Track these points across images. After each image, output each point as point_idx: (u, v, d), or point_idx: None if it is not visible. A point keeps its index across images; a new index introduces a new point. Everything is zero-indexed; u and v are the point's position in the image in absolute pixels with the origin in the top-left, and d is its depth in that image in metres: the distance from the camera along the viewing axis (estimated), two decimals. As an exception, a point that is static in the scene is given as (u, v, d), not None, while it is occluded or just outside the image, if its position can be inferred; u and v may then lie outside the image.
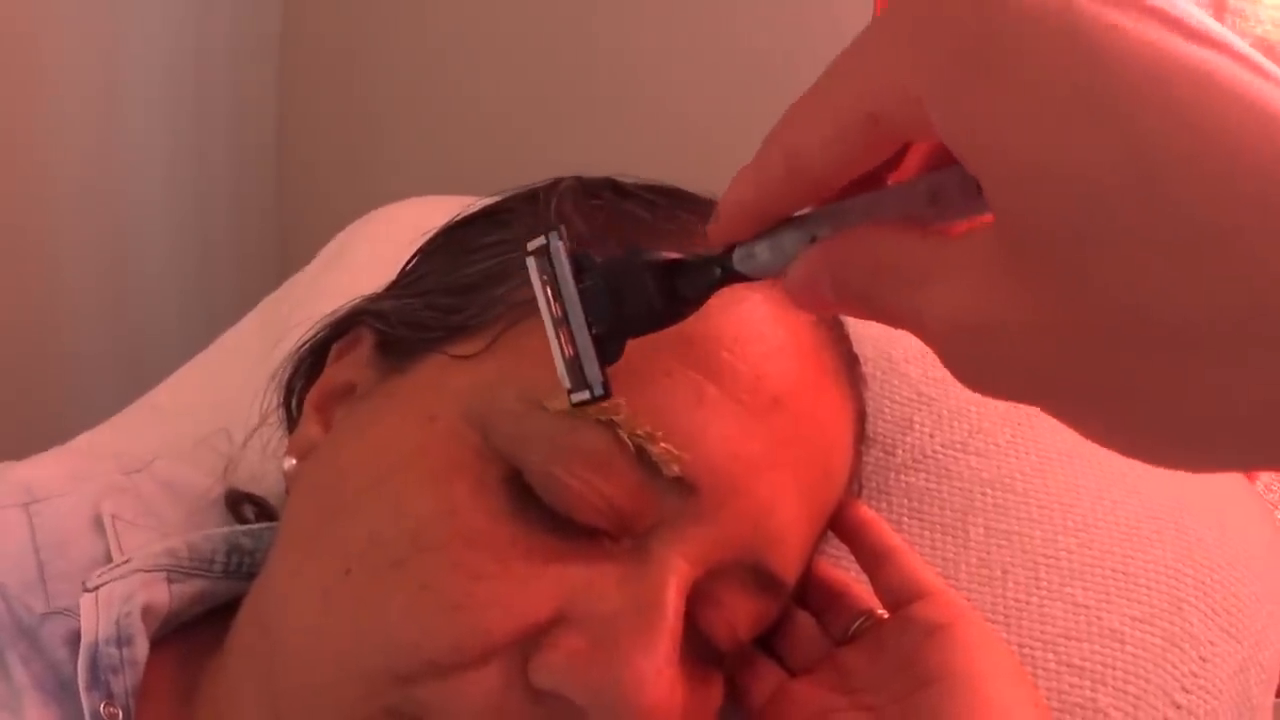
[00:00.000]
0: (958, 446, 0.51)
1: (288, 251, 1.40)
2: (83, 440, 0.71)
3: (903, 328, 0.26)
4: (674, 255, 0.31)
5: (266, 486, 0.59)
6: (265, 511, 0.57)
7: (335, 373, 0.47)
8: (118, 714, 0.43)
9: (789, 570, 0.40)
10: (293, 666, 0.40)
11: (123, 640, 0.44)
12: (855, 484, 0.47)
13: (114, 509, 0.50)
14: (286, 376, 0.53)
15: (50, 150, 1.11)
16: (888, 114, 0.24)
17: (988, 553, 0.49)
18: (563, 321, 0.32)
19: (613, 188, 0.46)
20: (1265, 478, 0.68)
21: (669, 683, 0.34)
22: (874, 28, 0.24)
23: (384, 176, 1.28)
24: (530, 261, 0.33)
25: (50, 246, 1.14)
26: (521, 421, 0.36)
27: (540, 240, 0.33)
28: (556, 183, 0.46)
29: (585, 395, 0.33)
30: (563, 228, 0.33)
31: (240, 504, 0.57)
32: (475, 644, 0.34)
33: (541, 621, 0.35)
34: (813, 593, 0.45)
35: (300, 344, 0.52)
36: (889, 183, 0.29)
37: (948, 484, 0.51)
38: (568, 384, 0.33)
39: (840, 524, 0.44)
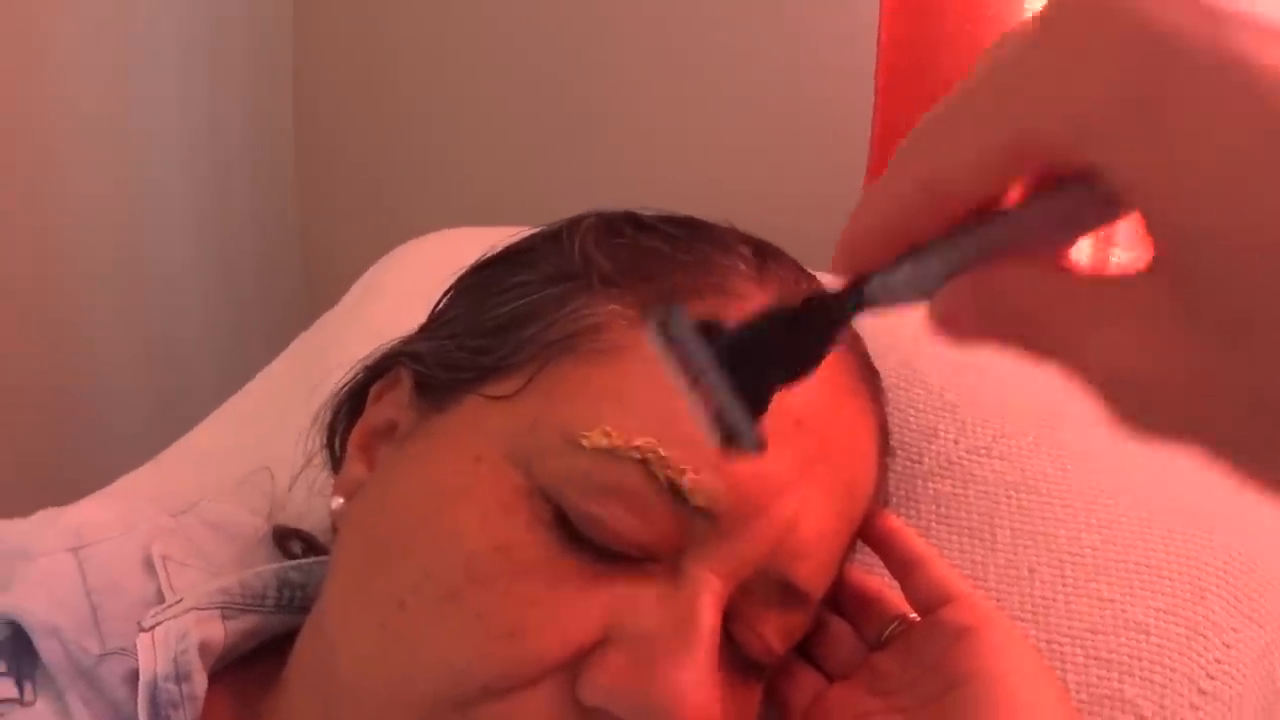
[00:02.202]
0: (982, 452, 0.53)
1: (313, 284, 1.41)
2: (125, 482, 0.73)
3: (1057, 367, 0.25)
4: (803, 302, 0.30)
5: (312, 522, 0.60)
6: (312, 546, 0.59)
7: (376, 413, 0.49)
8: None
9: (815, 583, 0.42)
10: (351, 698, 0.42)
11: (181, 676, 0.46)
12: (882, 494, 0.49)
13: (163, 550, 0.52)
14: (329, 419, 0.55)
15: (77, 214, 1.13)
16: (1045, 144, 0.23)
17: (1014, 553, 0.51)
18: (697, 383, 0.30)
19: (633, 222, 0.47)
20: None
21: (707, 694, 0.36)
22: (1028, 54, 0.23)
23: (406, 208, 1.29)
24: (652, 331, 0.31)
25: (83, 296, 1.16)
26: (561, 459, 0.38)
27: (660, 312, 0.31)
28: (578, 221, 0.47)
29: (746, 447, 0.30)
30: (681, 304, 0.31)
31: (288, 540, 0.59)
32: (529, 668, 0.37)
33: (588, 643, 0.37)
34: (847, 600, 0.47)
35: (340, 386, 0.54)
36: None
37: (974, 489, 0.52)
38: (719, 439, 0.31)
39: (869, 533, 0.46)
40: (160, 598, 0.50)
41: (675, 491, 0.37)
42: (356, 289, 0.79)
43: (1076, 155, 0.22)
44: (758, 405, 0.30)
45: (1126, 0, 0.22)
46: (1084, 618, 0.50)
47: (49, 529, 0.54)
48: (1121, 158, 0.22)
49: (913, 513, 0.50)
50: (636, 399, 0.39)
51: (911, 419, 0.53)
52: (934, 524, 0.51)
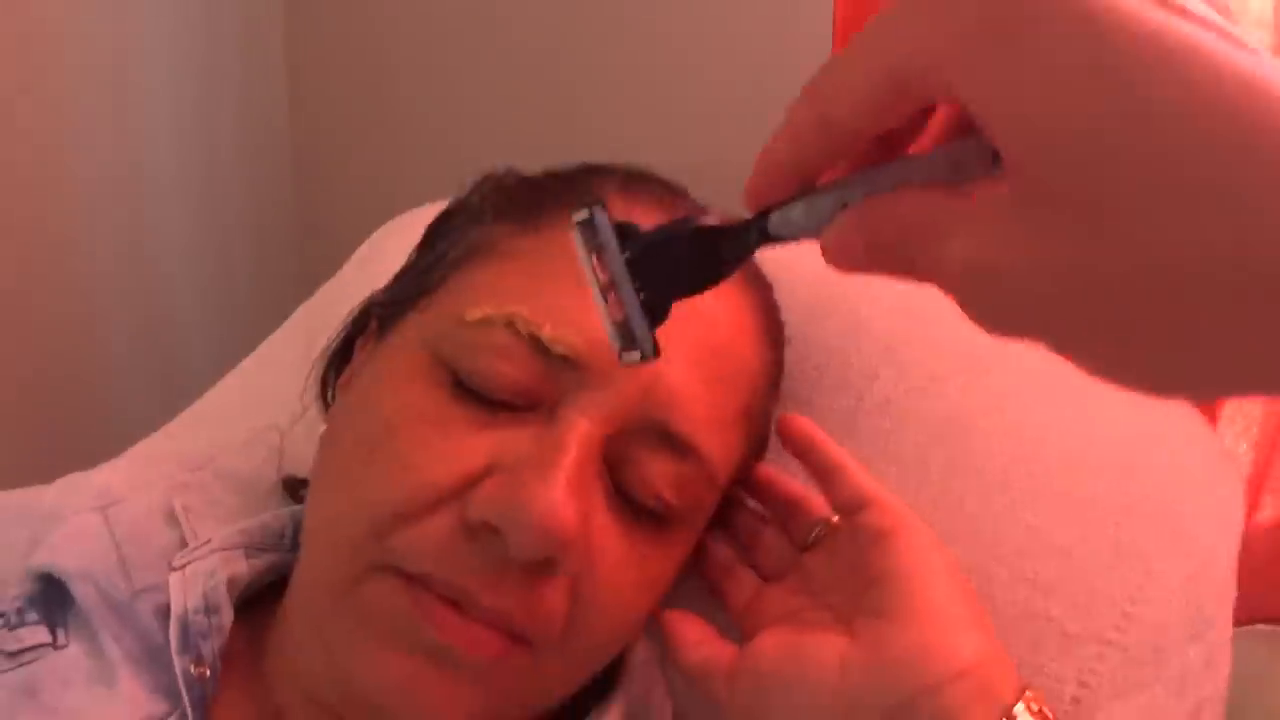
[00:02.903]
0: (918, 392, 0.57)
1: (307, 262, 1.44)
2: (141, 448, 0.79)
3: (927, 281, 0.28)
4: (714, 222, 0.33)
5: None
6: None
7: (358, 360, 0.56)
8: (206, 672, 0.51)
9: (696, 432, 0.46)
10: (308, 557, 0.50)
11: (210, 609, 0.52)
12: (777, 378, 0.54)
13: (184, 503, 0.58)
14: (321, 372, 0.62)
15: (75, 183, 1.15)
16: (914, 74, 0.26)
17: (947, 484, 0.55)
18: (609, 287, 0.34)
19: (527, 175, 0.56)
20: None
21: (564, 502, 0.42)
22: (888, 9, 0.27)
23: (398, 184, 1.30)
24: (575, 234, 0.34)
25: (81, 275, 1.18)
26: (453, 335, 0.47)
27: (584, 213, 0.34)
28: (485, 178, 0.56)
29: (636, 356, 0.34)
30: (604, 201, 0.35)
31: (297, 488, 0.65)
32: (426, 494, 0.44)
33: (475, 472, 0.44)
34: (776, 505, 0.53)
35: (330, 343, 0.62)
36: (912, 152, 0.31)
37: (911, 425, 0.57)
38: (617, 345, 0.34)
39: (788, 439, 0.51)
40: (183, 545, 0.56)
41: (537, 343, 0.44)
42: (354, 260, 0.84)
43: (940, 85, 0.26)
44: (658, 315, 0.34)
45: None
46: (1011, 542, 0.54)
47: (76, 492, 0.60)
48: (974, 81, 0.25)
49: (854, 446, 0.53)
50: (508, 284, 0.47)
51: (855, 362, 0.58)
52: (874, 457, 0.55)
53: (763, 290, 0.54)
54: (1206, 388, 0.27)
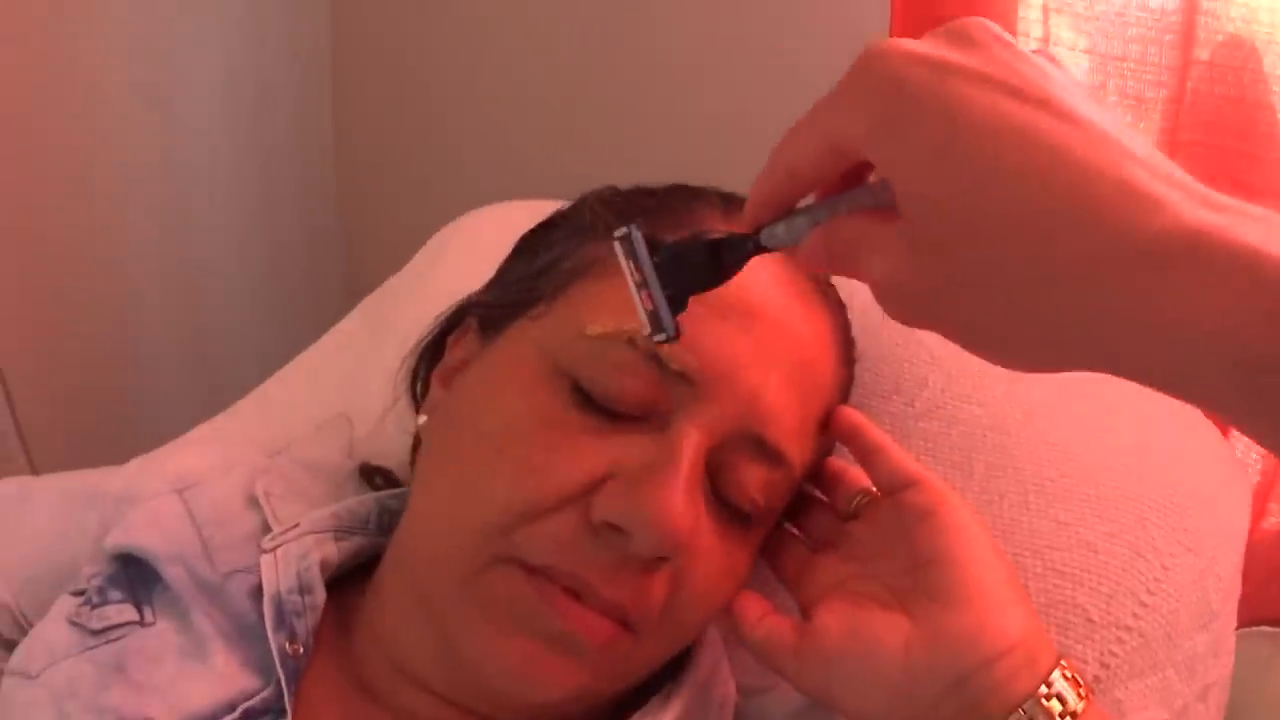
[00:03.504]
0: (963, 398, 0.63)
1: (353, 261, 1.46)
2: (202, 430, 0.82)
3: (860, 280, 0.39)
4: (719, 235, 0.43)
5: (391, 462, 0.70)
6: (391, 481, 0.69)
7: (452, 355, 0.60)
8: (299, 649, 0.53)
9: (785, 442, 0.52)
10: (426, 545, 0.54)
11: (304, 589, 0.55)
12: (848, 390, 0.60)
13: (265, 487, 0.61)
14: (413, 365, 0.66)
15: (119, 183, 1.17)
16: (844, 145, 0.37)
17: (988, 483, 0.61)
18: (643, 285, 0.43)
19: (632, 188, 0.61)
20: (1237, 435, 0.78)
21: (683, 508, 0.47)
22: (837, 91, 0.37)
23: (443, 188, 1.33)
24: (616, 244, 0.43)
25: (128, 268, 1.20)
26: (573, 347, 0.51)
27: (623, 230, 0.43)
28: (592, 192, 0.62)
29: (663, 336, 0.43)
30: (640, 220, 0.44)
31: (373, 476, 0.69)
32: (551, 496, 0.48)
33: (597, 476, 0.49)
34: (819, 480, 0.58)
35: (423, 338, 0.66)
36: (869, 178, 0.41)
37: (956, 429, 0.63)
38: (648, 330, 0.43)
39: (837, 427, 0.56)
40: (264, 528, 0.59)
41: (655, 360, 0.49)
42: (422, 256, 0.89)
43: (861, 153, 0.36)
44: (678, 306, 0.43)
45: (887, 63, 0.35)
46: (1044, 536, 0.60)
47: (152, 474, 0.63)
48: (878, 154, 0.36)
49: (906, 448, 0.59)
50: (627, 300, 0.51)
51: (907, 370, 0.64)
52: (923, 457, 0.62)
53: (841, 313, 0.59)
54: (1038, 363, 0.37)
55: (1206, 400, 0.34)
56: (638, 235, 0.43)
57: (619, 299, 0.52)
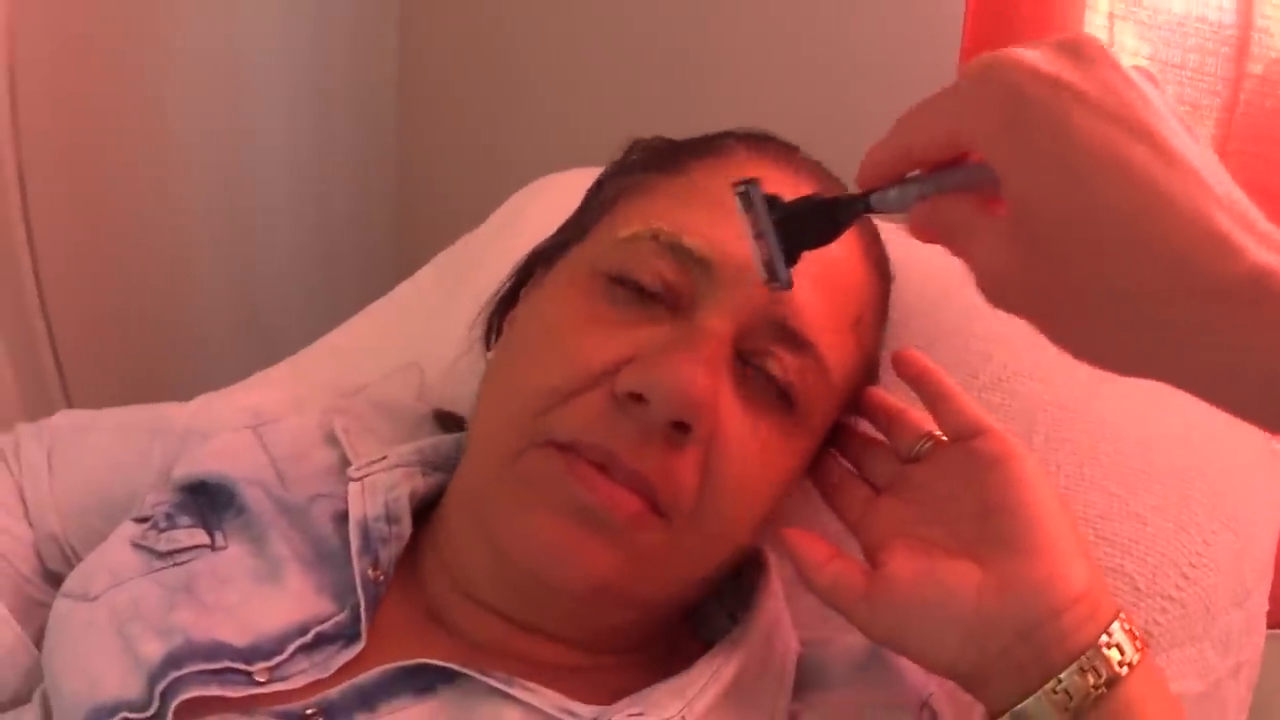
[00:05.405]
0: (1025, 374, 0.67)
1: (405, 222, 1.46)
2: (263, 376, 0.84)
3: (959, 257, 0.43)
4: (834, 196, 0.46)
5: (462, 409, 0.72)
6: (463, 426, 0.70)
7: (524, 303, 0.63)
8: (381, 576, 0.55)
9: (812, 331, 0.54)
10: (478, 446, 0.57)
11: (391, 518, 0.57)
12: (883, 303, 0.62)
13: (344, 425, 0.64)
14: (489, 314, 0.69)
15: (180, 144, 1.19)
16: (960, 138, 0.41)
17: (1046, 454, 0.65)
18: (760, 235, 0.46)
19: (667, 138, 0.65)
20: None
21: (699, 375, 0.50)
22: (959, 89, 0.41)
23: (500, 153, 1.34)
24: (736, 198, 0.47)
25: (183, 228, 1.23)
26: (608, 250, 0.56)
27: (742, 185, 0.47)
28: (632, 142, 0.67)
29: (778, 285, 0.47)
30: (759, 178, 0.48)
31: (448, 420, 0.71)
32: (580, 376, 0.52)
33: (623, 357, 0.52)
34: (880, 418, 0.60)
35: (498, 290, 0.68)
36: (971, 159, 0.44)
37: (1018, 402, 0.66)
38: (764, 277, 0.47)
39: (904, 367, 0.58)
40: (342, 464, 0.61)
41: (677, 248, 0.54)
42: (497, 216, 0.92)
43: (975, 147, 0.40)
44: (792, 258, 0.46)
45: (1010, 73, 0.39)
46: (1096, 506, 0.64)
47: (222, 409, 0.65)
48: (994, 154, 0.39)
49: (969, 417, 0.62)
50: (654, 209, 0.57)
51: (973, 345, 0.67)
52: (984, 427, 0.65)
53: (868, 225, 0.62)
54: (1112, 368, 0.41)
55: (1257, 419, 0.39)
56: (756, 189, 0.46)
57: (650, 209, 0.57)
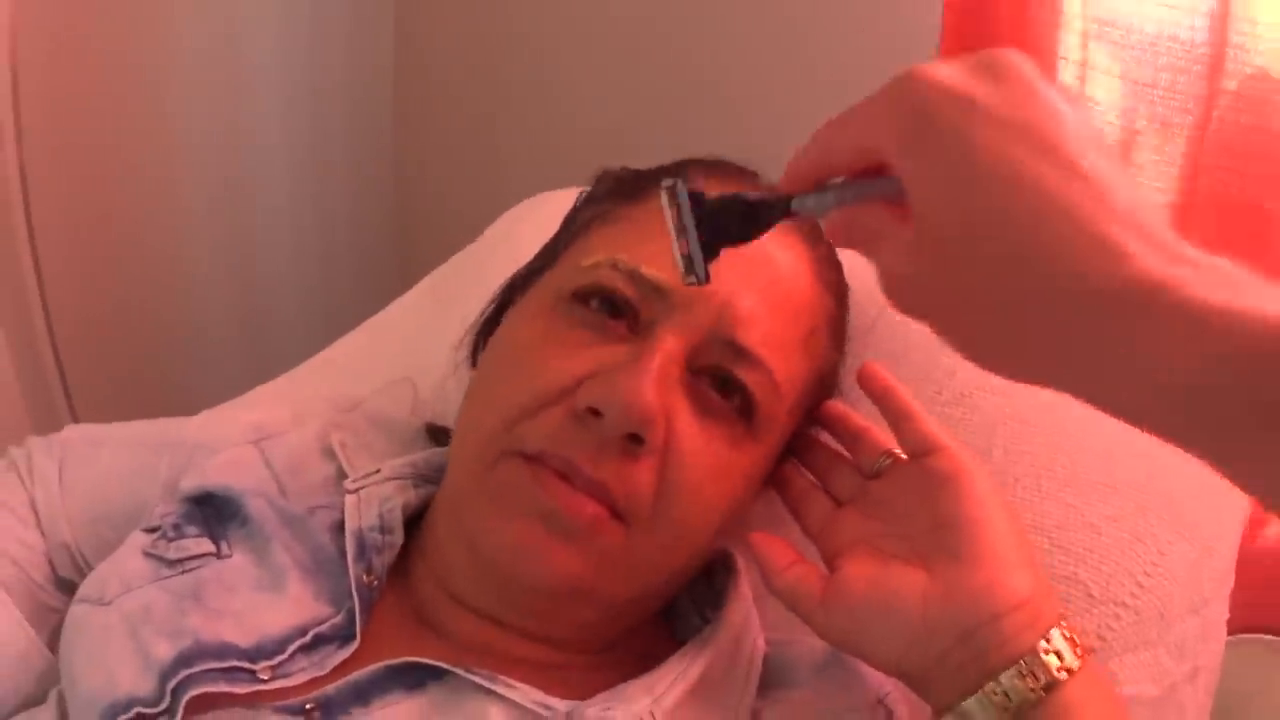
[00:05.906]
0: (988, 389, 0.69)
1: (403, 233, 1.46)
2: (262, 391, 0.87)
3: (869, 261, 0.44)
4: (757, 196, 0.47)
5: (452, 423, 0.72)
6: None
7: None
8: (374, 581, 0.58)
9: (760, 348, 0.57)
10: (457, 459, 0.60)
11: (385, 528, 0.61)
12: (837, 322, 0.65)
13: (340, 439, 0.67)
14: (473, 338, 0.72)
15: (180, 151, 1.20)
16: (871, 149, 0.42)
17: (1005, 466, 0.67)
18: (682, 232, 0.47)
19: (629, 169, 0.69)
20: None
21: (649, 389, 0.53)
22: (873, 101, 0.42)
23: (499, 165, 1.35)
24: (662, 193, 0.48)
25: (181, 230, 1.23)
26: (575, 276, 0.60)
27: (670, 180, 0.48)
28: (600, 173, 0.71)
29: (694, 279, 0.48)
30: (687, 175, 0.51)
31: (439, 434, 0.74)
32: (545, 391, 0.56)
33: (583, 375, 0.55)
34: (844, 437, 0.63)
35: (483, 312, 0.72)
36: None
37: (979, 416, 0.69)
38: (681, 270, 0.48)
39: (868, 383, 0.61)
40: (339, 476, 0.64)
41: (635, 276, 0.58)
42: (490, 234, 0.95)
43: (885, 158, 0.42)
44: (710, 254, 0.48)
45: (920, 91, 0.40)
46: (1053, 517, 0.66)
47: (225, 425, 0.69)
48: (902, 165, 0.41)
49: (933, 431, 0.65)
50: (616, 239, 0.61)
51: (938, 359, 0.70)
52: (947, 440, 0.67)
53: (822, 246, 0.64)
54: (1004, 374, 0.43)
55: (1155, 430, 0.39)
56: (681, 186, 0.49)
57: (611, 238, 0.61)
